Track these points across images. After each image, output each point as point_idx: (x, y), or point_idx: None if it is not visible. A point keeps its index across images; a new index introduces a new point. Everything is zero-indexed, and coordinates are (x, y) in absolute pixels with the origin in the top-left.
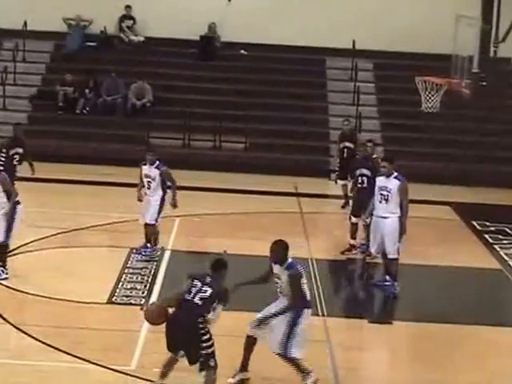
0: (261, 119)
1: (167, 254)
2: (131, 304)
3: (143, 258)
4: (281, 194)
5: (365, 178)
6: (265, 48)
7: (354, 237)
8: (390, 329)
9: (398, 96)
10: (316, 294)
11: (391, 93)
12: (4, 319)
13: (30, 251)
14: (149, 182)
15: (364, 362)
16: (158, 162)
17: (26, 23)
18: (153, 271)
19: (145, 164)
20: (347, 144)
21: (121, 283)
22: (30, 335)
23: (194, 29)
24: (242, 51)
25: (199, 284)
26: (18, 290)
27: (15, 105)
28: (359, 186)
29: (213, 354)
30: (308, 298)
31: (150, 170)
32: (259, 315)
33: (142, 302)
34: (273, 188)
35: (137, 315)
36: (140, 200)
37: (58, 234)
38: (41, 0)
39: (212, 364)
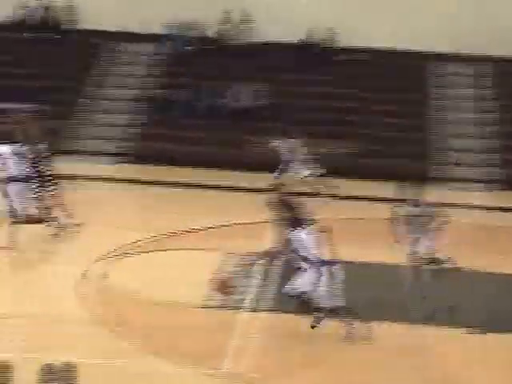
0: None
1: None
2: (226, 307)
3: None
4: None
5: None
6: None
7: None
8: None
9: None
10: None
11: None
12: (99, 321)
13: (128, 254)
14: None
15: None
16: None
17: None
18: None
19: None
20: None
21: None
22: (124, 337)
23: (299, 32)
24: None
25: None
26: (115, 293)
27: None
28: None
29: None
30: None
31: None
32: None
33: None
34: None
35: (230, 320)
36: None
37: (154, 237)
38: (142, 3)
39: None
